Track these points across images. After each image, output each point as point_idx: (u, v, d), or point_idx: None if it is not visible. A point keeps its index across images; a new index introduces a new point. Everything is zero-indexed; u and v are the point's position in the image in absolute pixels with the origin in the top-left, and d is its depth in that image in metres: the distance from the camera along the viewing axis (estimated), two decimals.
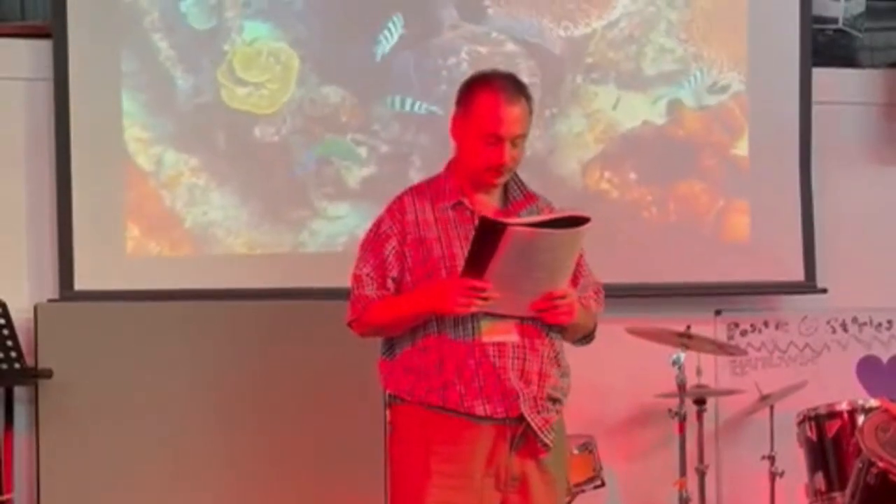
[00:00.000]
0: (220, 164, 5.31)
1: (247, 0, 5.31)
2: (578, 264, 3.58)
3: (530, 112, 3.49)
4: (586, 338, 3.67)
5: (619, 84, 5.58)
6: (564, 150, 5.54)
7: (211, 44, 5.30)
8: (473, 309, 3.35)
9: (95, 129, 5.22)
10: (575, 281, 3.55)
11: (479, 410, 3.41)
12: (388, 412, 3.59)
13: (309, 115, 5.35)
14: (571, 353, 3.62)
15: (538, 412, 3.43)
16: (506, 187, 3.56)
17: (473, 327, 3.41)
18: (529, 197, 3.59)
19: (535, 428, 3.42)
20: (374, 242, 3.52)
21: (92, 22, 5.22)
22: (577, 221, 3.33)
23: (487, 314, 3.40)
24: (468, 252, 3.33)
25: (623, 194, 5.60)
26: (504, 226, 3.25)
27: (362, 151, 5.37)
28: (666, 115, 5.61)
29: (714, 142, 5.66)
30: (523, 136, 3.48)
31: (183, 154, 5.28)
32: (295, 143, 5.34)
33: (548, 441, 3.44)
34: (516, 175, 3.56)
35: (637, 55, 5.57)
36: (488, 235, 3.26)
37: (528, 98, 3.49)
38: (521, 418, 3.42)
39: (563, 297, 3.41)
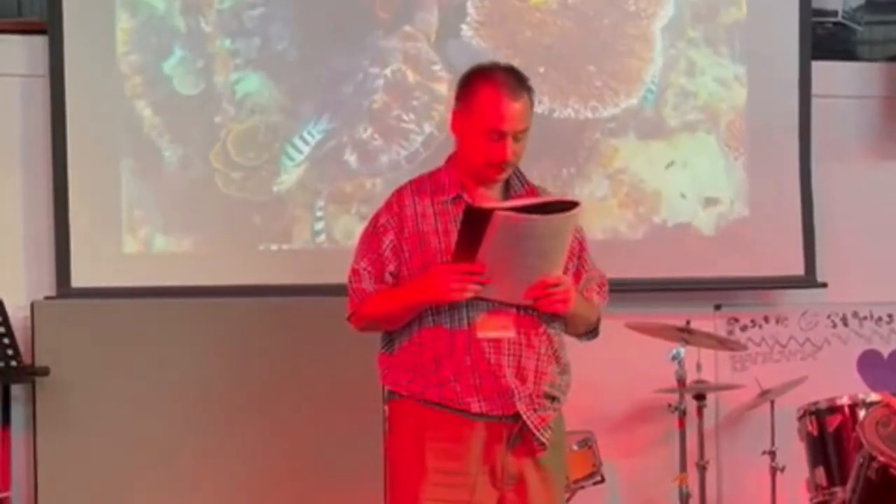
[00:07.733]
0: None
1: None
2: (581, 258, 3.55)
3: (532, 105, 3.44)
4: (590, 332, 3.61)
5: None
6: None
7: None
8: (468, 294, 3.30)
9: (92, 124, 5.20)
10: (578, 275, 3.52)
11: (475, 408, 3.37)
12: (385, 407, 3.56)
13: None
14: (570, 349, 3.58)
15: (534, 410, 3.39)
16: (507, 180, 3.50)
17: (469, 317, 3.37)
18: (530, 190, 3.53)
19: (531, 426, 3.37)
20: (371, 237, 3.49)
21: (88, 17, 5.20)
22: (566, 206, 3.29)
23: (483, 304, 3.36)
24: (456, 240, 3.28)
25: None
26: (491, 211, 3.20)
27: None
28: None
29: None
30: (525, 130, 3.42)
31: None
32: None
33: (543, 440, 3.39)
34: (517, 168, 3.51)
35: None
36: (475, 223, 3.21)
37: (529, 91, 3.43)
38: (518, 416, 3.37)
39: (557, 284, 3.35)
